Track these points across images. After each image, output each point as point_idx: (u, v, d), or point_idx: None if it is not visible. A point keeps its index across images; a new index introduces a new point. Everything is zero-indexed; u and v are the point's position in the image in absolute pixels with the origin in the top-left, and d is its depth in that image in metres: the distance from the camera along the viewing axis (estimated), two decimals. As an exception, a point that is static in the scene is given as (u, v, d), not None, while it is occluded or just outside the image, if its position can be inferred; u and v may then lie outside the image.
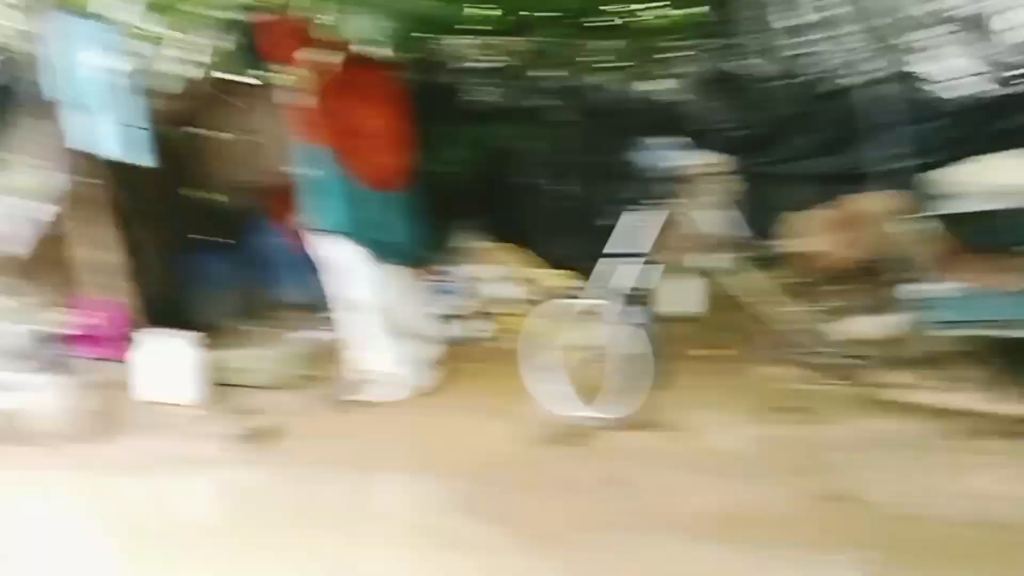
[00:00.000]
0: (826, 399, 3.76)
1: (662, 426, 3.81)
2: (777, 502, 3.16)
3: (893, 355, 3.36)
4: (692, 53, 6.47)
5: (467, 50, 6.74)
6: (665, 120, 5.75)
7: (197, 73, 5.98)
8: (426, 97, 5.58)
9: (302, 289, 5.51)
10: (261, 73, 5.48)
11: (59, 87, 4.66)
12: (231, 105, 5.77)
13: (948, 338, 3.16)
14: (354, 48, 5.37)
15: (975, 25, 5.56)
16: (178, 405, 4.57)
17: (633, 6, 6.65)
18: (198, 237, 5.92)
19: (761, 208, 4.26)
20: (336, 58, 5.09)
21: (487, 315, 5.43)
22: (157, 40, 6.04)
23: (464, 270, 5.80)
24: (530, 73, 6.67)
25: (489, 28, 6.53)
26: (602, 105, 6.45)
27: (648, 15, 6.68)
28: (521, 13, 6.42)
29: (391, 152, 5.26)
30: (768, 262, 3.82)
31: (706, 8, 6.45)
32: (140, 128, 4.76)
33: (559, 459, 3.69)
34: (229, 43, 5.67)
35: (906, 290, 3.21)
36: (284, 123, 5.02)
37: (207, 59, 5.99)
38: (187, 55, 6.05)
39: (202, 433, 4.20)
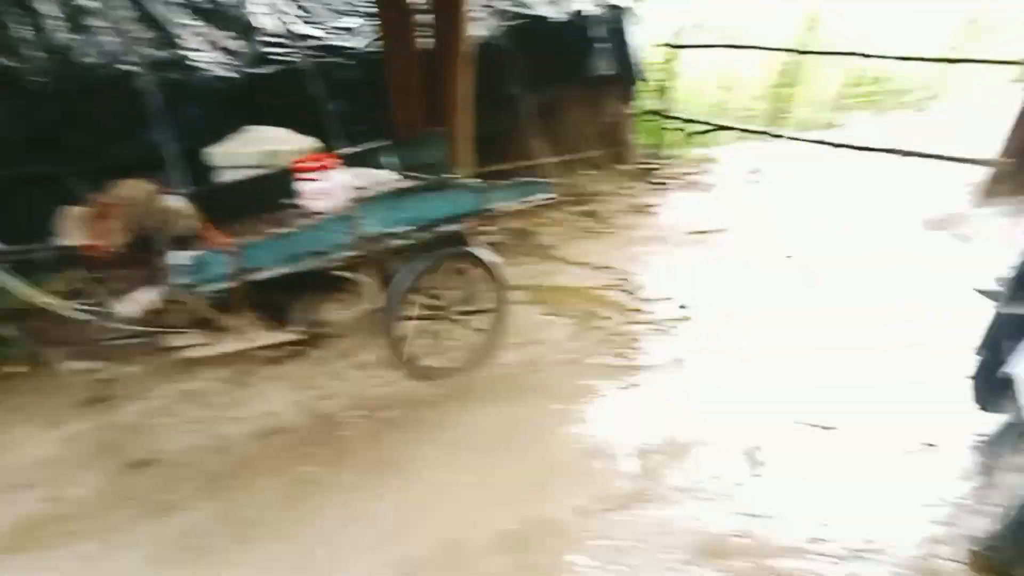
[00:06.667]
0: (131, 378, 4.03)
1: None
2: (87, 492, 3.34)
3: (176, 320, 3.72)
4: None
5: None
6: None
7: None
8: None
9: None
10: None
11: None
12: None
13: (213, 294, 3.61)
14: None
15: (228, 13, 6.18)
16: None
17: None
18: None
19: (39, 210, 4.06)
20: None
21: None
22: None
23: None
24: None
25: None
26: None
27: None
28: None
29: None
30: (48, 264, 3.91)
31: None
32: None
33: None
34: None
35: (170, 260, 3.53)
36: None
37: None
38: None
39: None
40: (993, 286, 2.86)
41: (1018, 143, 6.38)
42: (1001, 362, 2.56)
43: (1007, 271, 2.72)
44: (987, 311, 2.83)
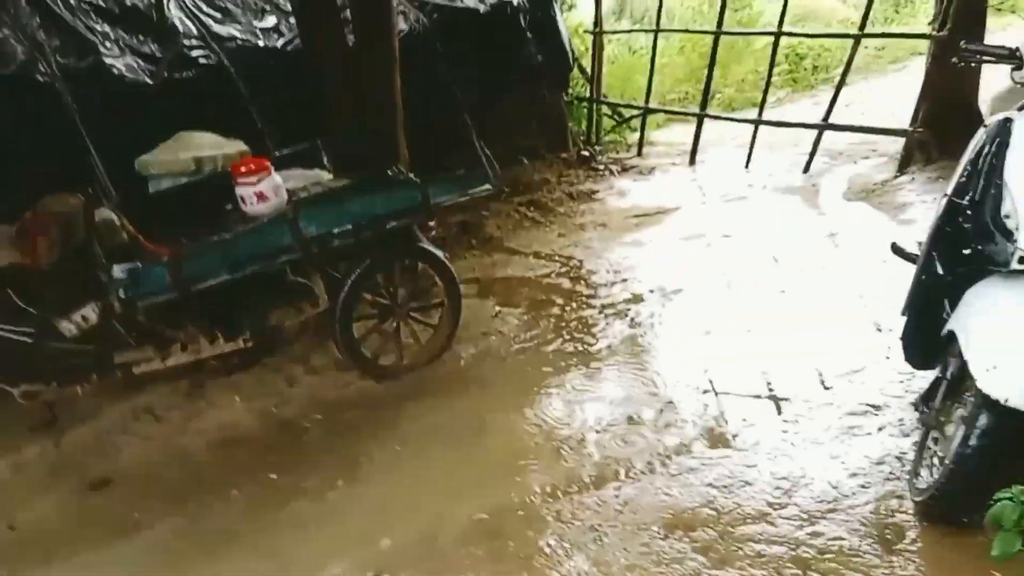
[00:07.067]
0: (79, 397, 3.77)
1: None
2: (46, 517, 3.30)
3: (120, 335, 3.66)
4: None
5: None
6: None
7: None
8: None
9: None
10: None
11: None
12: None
13: (155, 307, 3.61)
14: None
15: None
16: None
17: None
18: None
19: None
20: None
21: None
22: None
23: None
24: None
25: None
26: None
27: None
28: None
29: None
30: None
31: None
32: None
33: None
34: None
35: (108, 274, 3.53)
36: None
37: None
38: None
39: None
40: (910, 248, 3.01)
41: (926, 114, 6.68)
42: (939, 319, 2.70)
43: (924, 235, 2.86)
44: (907, 272, 2.95)
